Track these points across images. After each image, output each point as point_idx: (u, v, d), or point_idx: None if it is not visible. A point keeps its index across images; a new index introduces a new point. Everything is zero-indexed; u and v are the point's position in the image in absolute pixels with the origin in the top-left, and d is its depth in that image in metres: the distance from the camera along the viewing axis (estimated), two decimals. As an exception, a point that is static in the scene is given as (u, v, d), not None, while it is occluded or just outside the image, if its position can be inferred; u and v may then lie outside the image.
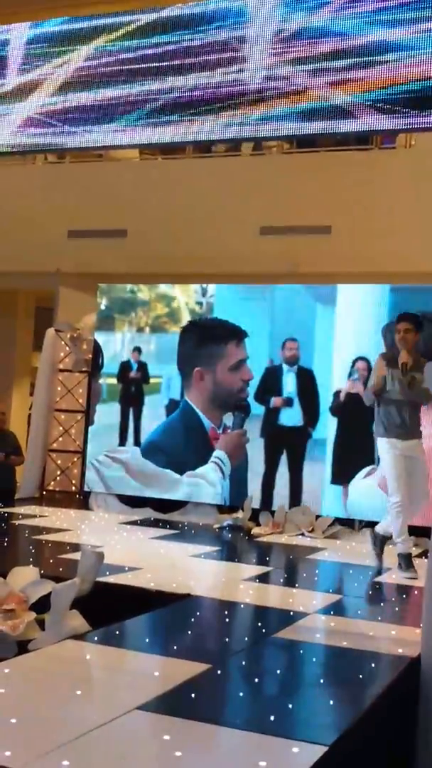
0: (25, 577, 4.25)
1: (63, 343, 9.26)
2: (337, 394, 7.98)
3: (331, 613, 4.87)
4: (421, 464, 6.16)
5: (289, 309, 8.41)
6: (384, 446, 6.13)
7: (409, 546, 6.03)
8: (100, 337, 9.08)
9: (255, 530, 7.55)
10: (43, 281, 10.25)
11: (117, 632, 4.17)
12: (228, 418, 8.25)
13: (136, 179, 9.85)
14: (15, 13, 8.04)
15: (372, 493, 7.55)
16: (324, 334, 8.10)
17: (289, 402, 8.17)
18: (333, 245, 8.81)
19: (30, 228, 9.97)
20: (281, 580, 5.69)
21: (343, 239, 8.77)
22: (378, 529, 6.29)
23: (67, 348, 9.23)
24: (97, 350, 9.08)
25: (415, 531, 7.34)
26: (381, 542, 6.27)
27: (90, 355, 9.13)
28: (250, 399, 8.23)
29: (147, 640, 4.07)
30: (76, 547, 5.98)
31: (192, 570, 5.89)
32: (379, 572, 6.07)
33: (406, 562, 5.94)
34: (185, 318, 8.76)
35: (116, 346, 9.09)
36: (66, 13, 7.43)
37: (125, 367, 8.99)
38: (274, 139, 8.59)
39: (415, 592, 5.38)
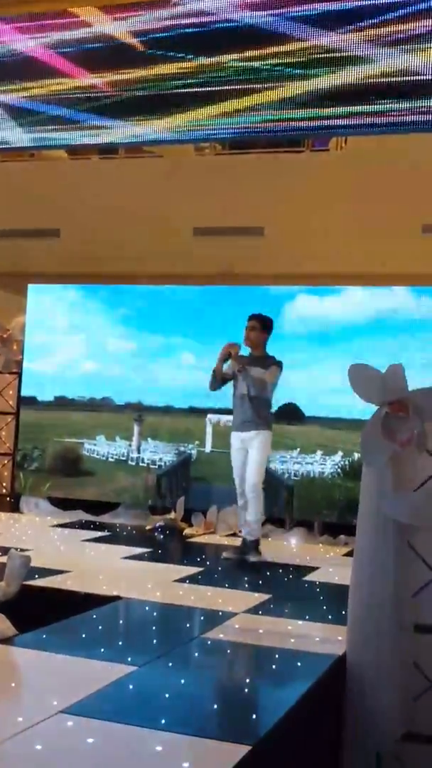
0: None
1: (-7, 343, 9.14)
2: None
3: (260, 612, 4.90)
4: (254, 455, 6.52)
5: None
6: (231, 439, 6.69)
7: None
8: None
9: (187, 531, 7.56)
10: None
11: (44, 636, 4.14)
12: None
13: (68, 179, 9.76)
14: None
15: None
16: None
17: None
18: (266, 247, 8.86)
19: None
20: (212, 581, 5.70)
21: (275, 241, 8.83)
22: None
23: (-3, 349, 9.12)
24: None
25: (343, 530, 7.47)
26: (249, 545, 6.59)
27: (20, 356, 9.03)
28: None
29: (74, 643, 4.04)
30: (4, 551, 5.90)
31: (122, 572, 5.87)
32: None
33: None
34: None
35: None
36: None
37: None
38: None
39: (343, 590, 5.43)
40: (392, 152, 8.13)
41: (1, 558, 5.66)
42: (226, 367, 6.67)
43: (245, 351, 6.73)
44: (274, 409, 7.69)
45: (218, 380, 6.72)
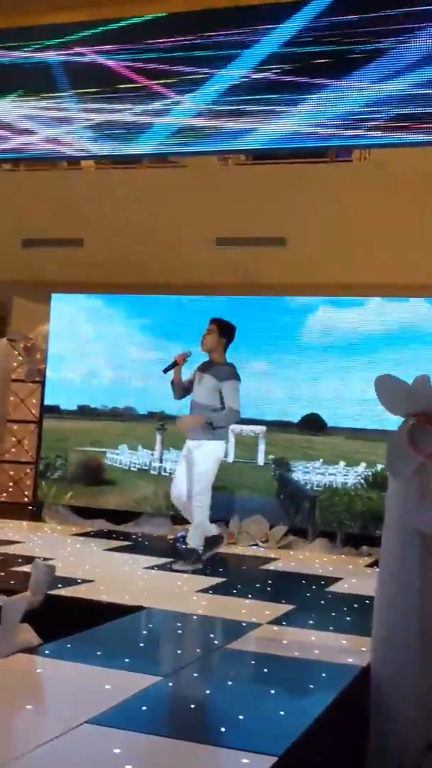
0: (-25, 591, 4.21)
1: (16, 352, 9.19)
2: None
3: (283, 623, 4.89)
4: (194, 466, 6.42)
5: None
6: None
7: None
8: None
9: (209, 541, 7.54)
10: (-4, 290, 10.17)
11: (69, 645, 4.15)
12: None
13: (93, 189, 9.82)
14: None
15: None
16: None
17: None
18: (288, 257, 8.87)
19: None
20: (234, 591, 5.69)
21: (297, 251, 8.84)
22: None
23: (21, 358, 9.17)
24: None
25: (366, 541, 7.44)
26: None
27: (43, 365, 9.08)
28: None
29: (99, 653, 4.05)
30: (28, 560, 5.92)
31: (145, 582, 5.87)
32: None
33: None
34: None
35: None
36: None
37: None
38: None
39: (366, 601, 5.42)
40: (414, 162, 8.12)
41: (25, 567, 5.69)
42: (185, 378, 6.64)
43: (204, 356, 6.65)
44: (297, 418, 7.69)
45: (178, 390, 6.67)
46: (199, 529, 6.46)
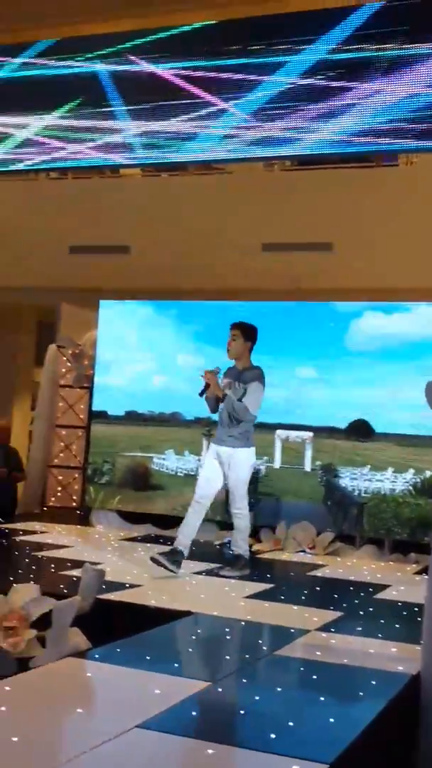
0: (25, 595, 4.27)
1: (65, 358, 9.29)
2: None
3: (332, 630, 4.87)
4: (231, 474, 6.33)
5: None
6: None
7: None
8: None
9: (256, 547, 7.54)
10: (45, 297, 10.29)
11: (118, 650, 4.18)
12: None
13: (139, 196, 9.90)
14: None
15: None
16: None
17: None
18: (334, 262, 8.84)
19: (32, 243, 10.01)
20: (282, 597, 5.68)
21: (344, 256, 8.80)
22: None
23: (69, 364, 9.26)
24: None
25: (414, 548, 7.38)
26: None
27: (91, 371, 9.16)
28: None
29: (148, 658, 4.07)
30: (76, 564, 5.98)
31: (192, 587, 5.89)
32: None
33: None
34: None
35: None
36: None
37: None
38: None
39: (415, 609, 5.38)
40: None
41: (74, 571, 5.75)
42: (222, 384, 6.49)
43: (230, 363, 6.54)
44: (344, 425, 7.64)
45: (211, 404, 6.53)
46: (242, 534, 6.46)
